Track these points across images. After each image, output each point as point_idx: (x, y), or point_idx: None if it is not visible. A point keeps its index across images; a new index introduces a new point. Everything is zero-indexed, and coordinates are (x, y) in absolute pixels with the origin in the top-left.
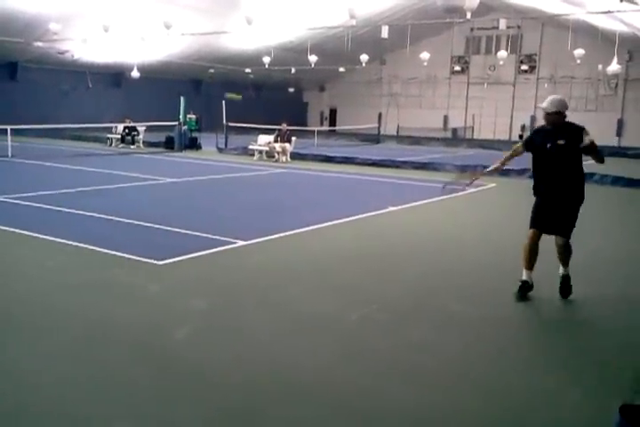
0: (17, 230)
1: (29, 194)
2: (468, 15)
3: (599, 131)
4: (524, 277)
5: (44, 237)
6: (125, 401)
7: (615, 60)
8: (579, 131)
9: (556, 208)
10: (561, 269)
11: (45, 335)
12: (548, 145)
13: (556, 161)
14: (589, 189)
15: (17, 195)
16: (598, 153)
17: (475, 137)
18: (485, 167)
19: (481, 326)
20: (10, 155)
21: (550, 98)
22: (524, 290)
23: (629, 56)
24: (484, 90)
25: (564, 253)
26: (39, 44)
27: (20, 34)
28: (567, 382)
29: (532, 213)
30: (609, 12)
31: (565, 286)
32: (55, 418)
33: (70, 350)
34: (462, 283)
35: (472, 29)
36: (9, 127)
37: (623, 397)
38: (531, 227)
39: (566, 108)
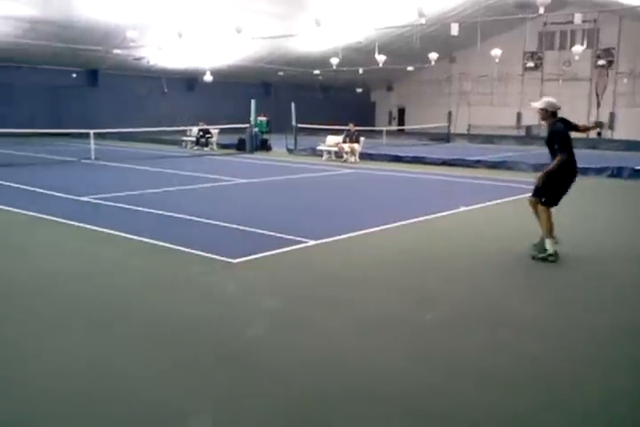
0: (100, 229)
1: (112, 194)
2: (542, 10)
3: None
4: (555, 248)
5: (126, 235)
6: (202, 395)
7: None
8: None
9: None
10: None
11: (127, 331)
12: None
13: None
14: None
15: (100, 195)
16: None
17: None
18: None
19: (556, 329)
20: (93, 157)
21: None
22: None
23: None
24: (559, 86)
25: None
26: (117, 51)
27: (100, 42)
28: None
29: (559, 191)
30: None
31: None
32: (132, 408)
33: (150, 345)
34: (537, 285)
35: (545, 24)
36: (92, 131)
37: None
38: (553, 205)
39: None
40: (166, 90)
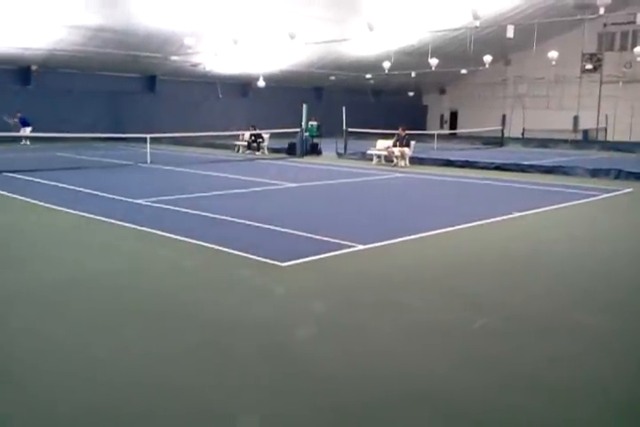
0: (155, 231)
1: (166, 197)
2: (602, 10)
3: None
4: None
5: (178, 237)
6: (248, 395)
7: None
8: None
9: None
10: None
11: (176, 331)
12: None
13: None
14: None
15: (155, 198)
16: None
17: (608, 139)
18: (621, 172)
19: (614, 340)
20: (149, 161)
21: None
22: None
23: None
24: (619, 88)
25: None
26: (175, 58)
27: (159, 49)
28: None
29: None
30: None
31: None
32: (181, 408)
33: (199, 345)
34: (593, 294)
35: (605, 25)
36: (148, 136)
37: None
38: None
39: None
40: (221, 95)
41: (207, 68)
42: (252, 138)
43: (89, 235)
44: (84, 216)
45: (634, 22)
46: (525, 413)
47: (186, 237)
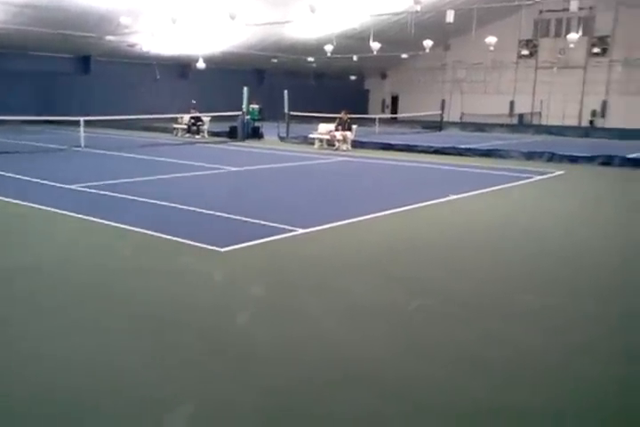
0: (89, 218)
1: (100, 182)
2: None
3: None
4: None
5: (115, 224)
6: (187, 381)
7: None
8: None
9: None
10: None
11: (115, 318)
12: None
13: None
14: None
15: (89, 183)
16: None
17: (542, 123)
18: (553, 154)
19: (551, 318)
20: (83, 145)
21: None
22: None
23: None
24: (553, 74)
25: None
26: (110, 37)
27: (93, 29)
28: None
29: None
30: None
31: None
32: (114, 395)
33: (137, 331)
34: (528, 273)
35: (541, 12)
36: (82, 119)
37: None
38: None
39: None
40: (158, 77)
41: (145, 49)
42: (192, 121)
43: (17, 222)
44: (11, 202)
45: (568, 10)
46: (459, 393)
47: (121, 223)
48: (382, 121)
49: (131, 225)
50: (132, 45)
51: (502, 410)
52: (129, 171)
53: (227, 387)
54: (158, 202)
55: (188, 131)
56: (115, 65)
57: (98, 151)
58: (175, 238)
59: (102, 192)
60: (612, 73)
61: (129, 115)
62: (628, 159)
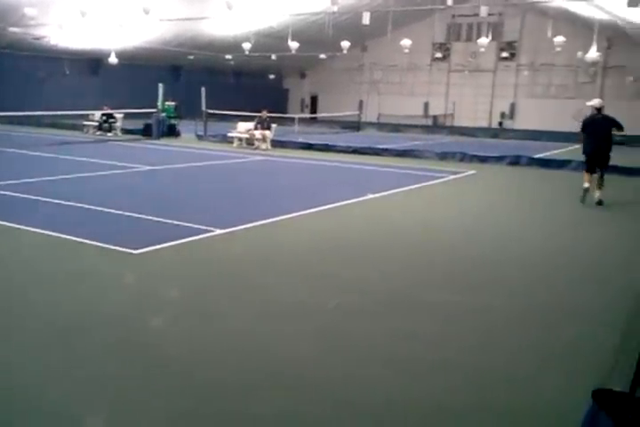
0: None
1: (3, 182)
2: (450, 1)
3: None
4: (586, 185)
5: (19, 226)
6: (102, 387)
7: (594, 47)
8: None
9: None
10: (597, 193)
11: (21, 326)
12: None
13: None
14: None
15: None
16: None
17: (455, 124)
18: (465, 155)
19: (461, 314)
20: None
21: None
22: (585, 192)
23: (608, 43)
24: (465, 77)
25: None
26: (14, 29)
27: None
28: (545, 368)
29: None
30: None
31: (600, 203)
32: (25, 409)
33: (46, 340)
34: (440, 270)
35: (453, 16)
36: None
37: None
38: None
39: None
40: (68, 72)
41: (52, 42)
42: (104, 118)
43: None
44: None
45: (478, 15)
46: (381, 389)
47: (26, 225)
48: (302, 121)
49: (34, 227)
50: (38, 38)
51: (415, 406)
52: (34, 170)
53: (140, 396)
54: (65, 202)
55: (100, 128)
56: (20, 58)
57: (1, 149)
58: (84, 240)
59: (2, 192)
60: (520, 77)
61: (35, 111)
62: (535, 159)
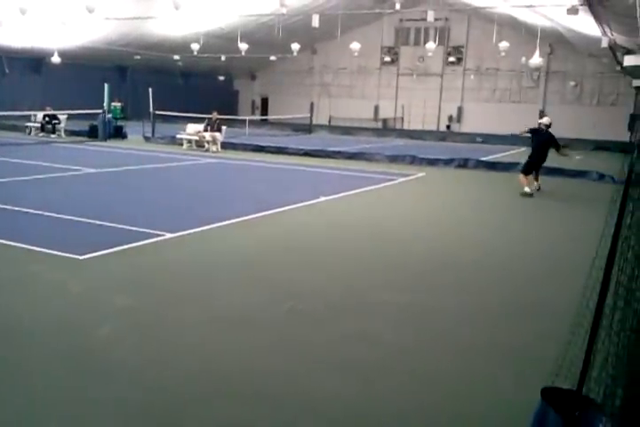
0: None
1: None
2: (398, 6)
3: (522, 121)
4: (527, 190)
5: None
6: (42, 402)
7: (537, 53)
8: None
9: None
10: (536, 183)
11: None
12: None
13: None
14: None
15: None
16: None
17: (404, 127)
18: (414, 158)
19: (410, 313)
20: None
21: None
22: (529, 195)
23: (551, 49)
24: (413, 81)
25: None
26: None
27: None
28: (497, 368)
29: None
30: (531, 6)
31: (539, 188)
32: None
33: None
34: (391, 272)
35: (401, 20)
36: None
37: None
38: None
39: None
40: (7, 70)
41: None
42: (47, 119)
43: None
44: None
45: (425, 19)
46: (334, 392)
47: None
48: (252, 123)
49: None
50: None
51: (368, 411)
52: None
53: (83, 406)
54: (6, 207)
55: (42, 130)
56: None
57: None
58: (24, 246)
59: None
60: (466, 81)
61: None
62: (482, 162)
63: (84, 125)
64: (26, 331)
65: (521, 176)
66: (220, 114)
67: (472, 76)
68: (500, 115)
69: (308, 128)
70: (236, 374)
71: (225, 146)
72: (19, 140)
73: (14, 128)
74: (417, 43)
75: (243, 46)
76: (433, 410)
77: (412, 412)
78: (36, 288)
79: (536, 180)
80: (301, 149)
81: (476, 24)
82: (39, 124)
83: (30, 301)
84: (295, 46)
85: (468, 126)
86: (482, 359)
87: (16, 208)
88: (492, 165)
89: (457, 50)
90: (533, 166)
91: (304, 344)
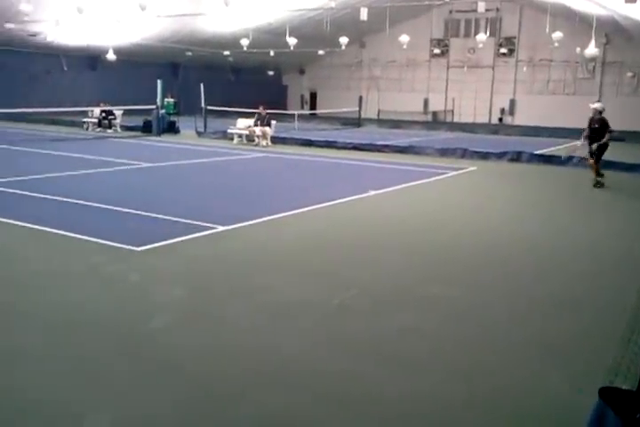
0: None
1: (6, 179)
2: None
3: (577, 114)
4: (599, 178)
5: (21, 223)
6: (102, 389)
7: (593, 43)
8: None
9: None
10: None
11: (24, 323)
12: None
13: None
14: None
15: None
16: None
17: (455, 120)
18: (466, 151)
19: (460, 308)
20: None
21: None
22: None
23: (607, 39)
24: (464, 73)
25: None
26: (10, 25)
27: None
28: (550, 365)
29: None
30: None
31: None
32: (31, 405)
33: (49, 338)
34: (441, 266)
35: (451, 12)
36: None
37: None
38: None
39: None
40: (66, 68)
41: (49, 39)
42: (103, 114)
43: None
44: None
45: (476, 11)
46: (382, 386)
47: (26, 222)
48: (301, 117)
49: (40, 225)
50: (34, 34)
51: (416, 404)
52: (37, 167)
53: (145, 396)
54: (67, 199)
55: (99, 125)
56: (16, 55)
57: (1, 146)
58: (86, 237)
59: (9, 190)
60: (519, 73)
61: (34, 107)
62: (536, 155)
63: (138, 121)
64: (86, 319)
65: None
66: (269, 108)
67: (524, 68)
68: (553, 107)
69: (356, 122)
70: (285, 365)
71: (275, 140)
72: (77, 135)
73: (72, 124)
74: (467, 34)
75: (291, 41)
76: (483, 408)
77: (460, 409)
78: (96, 279)
79: (597, 173)
80: (350, 143)
81: (529, 14)
82: (96, 120)
83: (91, 291)
84: (343, 40)
85: (520, 119)
86: (534, 356)
87: (78, 201)
88: (548, 159)
89: (509, 41)
90: (595, 153)
91: (352, 338)
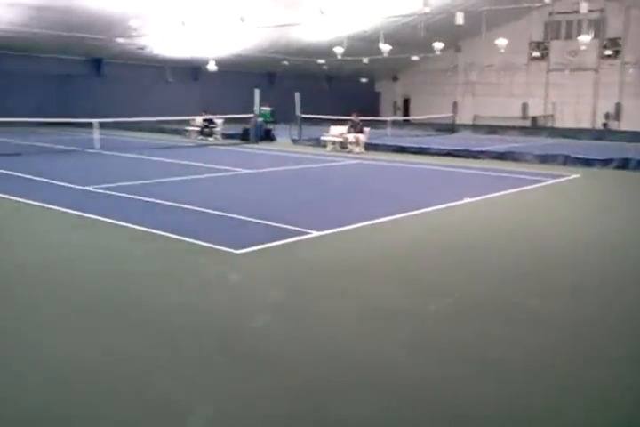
0: (103, 219)
1: (115, 184)
2: None
3: None
4: None
5: (130, 225)
6: (205, 386)
7: None
8: None
9: None
10: None
11: (130, 321)
12: None
13: None
14: None
15: (103, 185)
16: None
17: (556, 126)
18: (568, 157)
19: (559, 323)
20: (96, 147)
21: None
22: None
23: None
24: (565, 76)
25: None
26: (120, 40)
27: (104, 31)
28: None
29: None
30: None
31: None
32: (138, 401)
33: (154, 336)
34: (541, 278)
35: (551, 14)
36: (95, 121)
37: None
38: None
39: None
40: (170, 79)
41: (155, 52)
42: (205, 123)
43: (34, 223)
44: (29, 204)
45: (578, 12)
46: (475, 395)
47: (136, 224)
48: (394, 123)
49: (146, 227)
50: (141, 48)
51: (514, 416)
52: (143, 173)
53: (245, 391)
54: (172, 203)
55: (201, 133)
56: (126, 67)
57: (111, 153)
58: (190, 240)
59: (111, 193)
60: (625, 75)
61: (141, 117)
62: None
63: (237, 129)
64: (188, 318)
65: None
66: (362, 115)
67: (631, 70)
68: None
69: (450, 128)
70: (379, 367)
71: (367, 147)
72: (180, 143)
73: (176, 132)
74: (568, 36)
75: (385, 48)
76: (577, 421)
77: (552, 421)
78: (197, 280)
79: None
80: (444, 150)
81: (636, 14)
82: (198, 128)
83: (193, 290)
84: (438, 45)
85: (627, 124)
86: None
87: (182, 205)
88: None
89: (614, 42)
90: None
91: (444, 344)
